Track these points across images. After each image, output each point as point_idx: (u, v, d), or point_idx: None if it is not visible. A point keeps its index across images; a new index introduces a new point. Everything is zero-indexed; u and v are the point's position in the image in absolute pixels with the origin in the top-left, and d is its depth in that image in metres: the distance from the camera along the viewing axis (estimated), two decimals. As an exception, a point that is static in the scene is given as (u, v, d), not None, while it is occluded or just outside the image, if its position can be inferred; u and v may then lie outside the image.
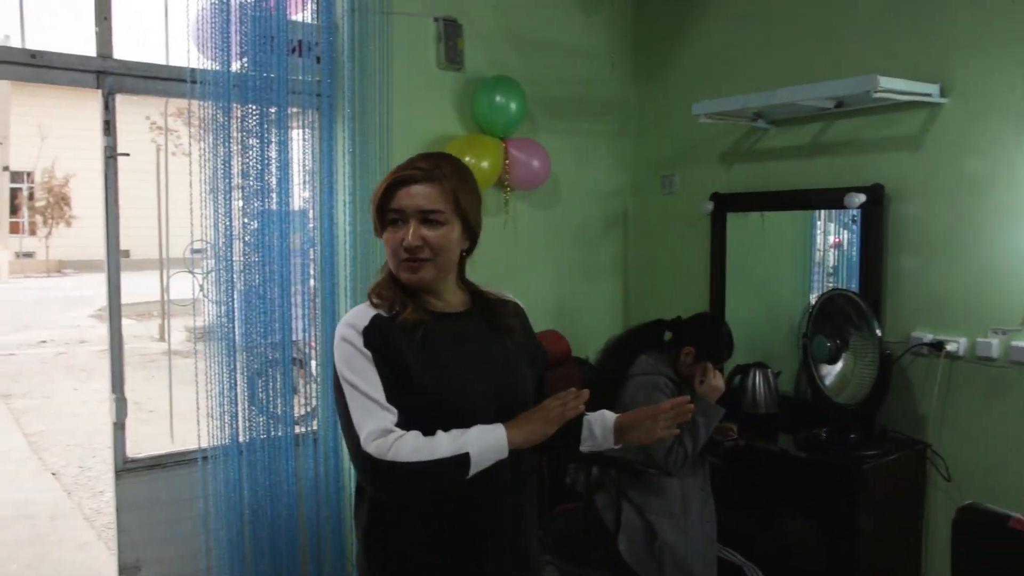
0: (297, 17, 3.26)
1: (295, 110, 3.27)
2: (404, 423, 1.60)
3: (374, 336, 1.63)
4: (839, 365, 3.12)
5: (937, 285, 3.16)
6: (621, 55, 4.23)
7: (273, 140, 3.16)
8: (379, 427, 1.57)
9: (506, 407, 1.69)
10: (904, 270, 3.24)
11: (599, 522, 2.83)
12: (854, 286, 3.35)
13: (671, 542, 2.74)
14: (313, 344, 3.38)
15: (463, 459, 1.56)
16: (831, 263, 3.76)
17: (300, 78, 3.24)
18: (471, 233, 1.77)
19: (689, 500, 2.80)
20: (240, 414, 3.13)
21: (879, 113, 3.27)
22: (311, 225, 3.35)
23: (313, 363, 3.40)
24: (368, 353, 1.62)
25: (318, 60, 3.30)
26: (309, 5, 3.30)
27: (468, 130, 3.68)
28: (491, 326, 1.79)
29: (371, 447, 1.55)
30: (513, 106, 3.60)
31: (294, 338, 3.27)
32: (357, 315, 1.68)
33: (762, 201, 3.68)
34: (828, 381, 3.11)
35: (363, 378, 1.61)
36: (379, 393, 1.60)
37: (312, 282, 3.35)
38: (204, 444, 3.10)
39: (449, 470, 1.56)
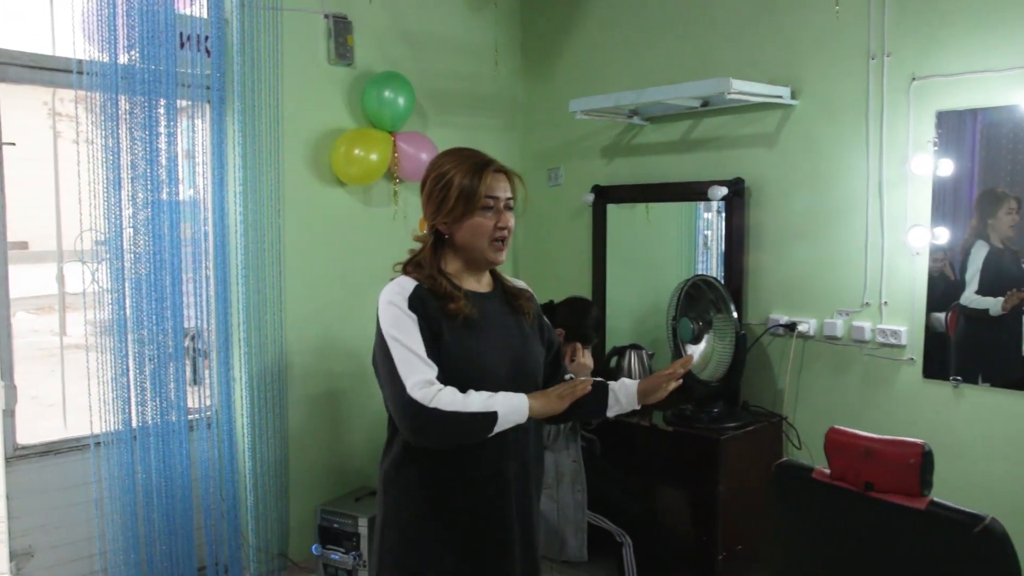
0: (186, 11, 3.32)
1: (185, 103, 3.33)
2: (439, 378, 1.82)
3: (417, 302, 1.84)
4: (702, 345, 3.38)
5: (791, 271, 3.46)
6: (507, 52, 4.41)
7: (163, 132, 3.22)
8: (423, 378, 1.77)
9: (521, 377, 1.93)
10: (763, 257, 3.53)
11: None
12: (722, 272, 3.62)
13: (545, 510, 2.95)
14: (207, 332, 3.46)
15: (492, 416, 1.77)
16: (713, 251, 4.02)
17: (189, 71, 3.29)
18: None
19: (562, 472, 3.02)
20: (133, 400, 3.20)
21: (740, 112, 3.54)
22: (202, 216, 3.42)
23: (209, 349, 3.48)
24: (413, 315, 1.82)
25: (208, 54, 3.36)
26: (198, -1, 3.36)
27: (358, 124, 3.79)
28: (511, 308, 2.00)
29: (417, 394, 1.76)
30: (401, 101, 3.74)
31: (186, 324, 3.35)
32: (401, 284, 1.89)
33: (637, 193, 3.92)
34: (694, 359, 3.37)
35: (408, 336, 1.81)
36: (422, 349, 1.80)
37: (205, 270, 3.42)
38: (97, 430, 3.15)
39: (479, 423, 1.77)
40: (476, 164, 1.86)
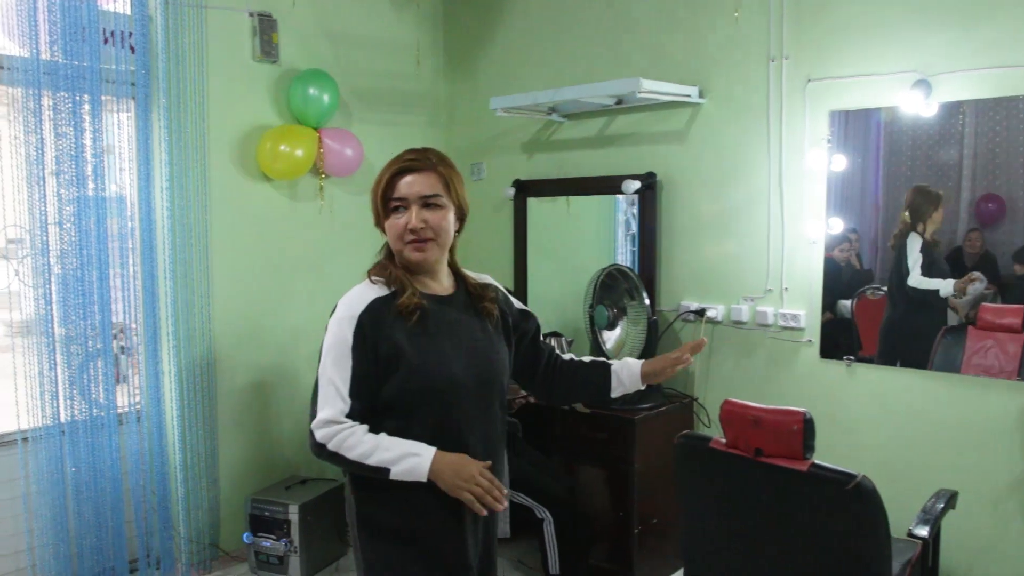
0: (109, 7, 3.34)
1: (109, 98, 3.35)
2: (390, 399, 1.79)
3: (367, 321, 1.78)
4: (617, 331, 3.57)
5: (700, 260, 3.67)
6: (431, 50, 4.53)
7: (87, 128, 3.25)
8: (331, 416, 1.76)
9: (484, 384, 1.88)
10: (675, 247, 3.73)
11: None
12: (637, 262, 3.82)
13: (469, 489, 3.10)
14: (134, 326, 3.50)
15: (384, 472, 1.74)
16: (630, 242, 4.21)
17: (114, 67, 3.33)
18: (461, 215, 1.95)
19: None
20: (61, 395, 3.22)
21: (653, 110, 3.73)
22: (128, 211, 3.45)
23: (137, 343, 3.52)
24: (352, 341, 1.78)
25: (132, 51, 3.39)
26: (121, -5, 3.38)
27: (283, 120, 3.87)
28: (473, 310, 1.95)
29: (319, 433, 1.76)
30: (326, 98, 3.82)
31: (114, 319, 3.38)
32: (355, 298, 1.83)
33: (556, 187, 4.09)
34: (609, 345, 3.55)
35: (336, 365, 1.77)
36: (345, 382, 1.77)
37: (132, 266, 3.45)
38: (24, 426, 3.16)
39: (371, 473, 1.76)
40: (388, 167, 1.86)
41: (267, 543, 3.63)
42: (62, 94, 3.17)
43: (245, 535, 3.68)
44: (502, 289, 2.11)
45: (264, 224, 3.87)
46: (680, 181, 3.70)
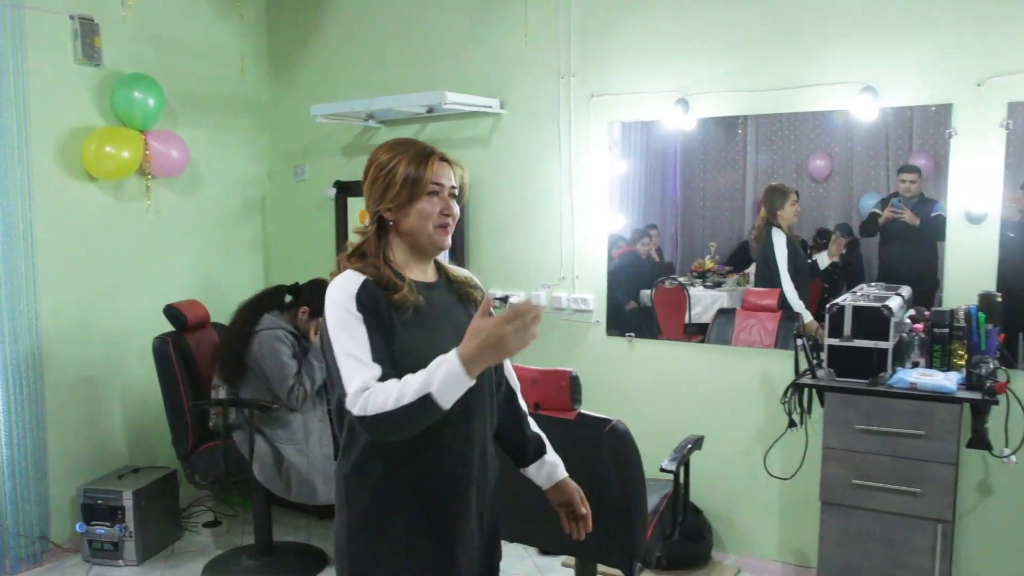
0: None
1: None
2: (388, 376, 1.71)
3: (365, 296, 1.76)
4: (432, 317, 3.97)
5: (504, 253, 4.14)
6: (255, 58, 4.76)
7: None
8: (361, 384, 1.68)
9: None
10: (482, 242, 4.18)
11: (237, 454, 3.43)
12: (448, 255, 4.23)
13: (296, 463, 3.42)
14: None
15: (427, 399, 1.60)
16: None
17: (-73, 68, 3.37)
18: None
19: (310, 429, 3.49)
20: None
21: (460, 118, 4.16)
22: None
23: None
24: (359, 314, 1.74)
25: (-54, 52, 3.44)
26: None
27: (108, 122, 3.99)
28: (457, 296, 1.96)
29: (356, 407, 1.66)
30: (151, 101, 3.99)
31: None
32: (347, 281, 1.79)
33: (376, 187, 4.44)
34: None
35: (352, 338, 1.72)
36: (366, 351, 1.71)
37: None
38: None
39: (420, 411, 1.61)
40: (421, 152, 1.88)
41: (101, 531, 3.77)
42: None
43: (78, 524, 3.80)
44: (478, 280, 2.11)
45: (91, 223, 3.98)
46: (485, 182, 4.14)
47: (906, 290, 3.23)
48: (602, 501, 2.51)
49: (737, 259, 3.76)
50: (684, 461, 2.83)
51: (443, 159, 1.88)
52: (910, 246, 3.40)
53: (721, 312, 3.76)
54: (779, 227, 3.61)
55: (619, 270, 3.90)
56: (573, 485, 2.04)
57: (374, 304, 1.75)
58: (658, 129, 3.74)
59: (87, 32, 3.91)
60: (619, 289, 3.91)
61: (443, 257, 2.04)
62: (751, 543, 3.70)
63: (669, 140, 3.75)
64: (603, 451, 2.44)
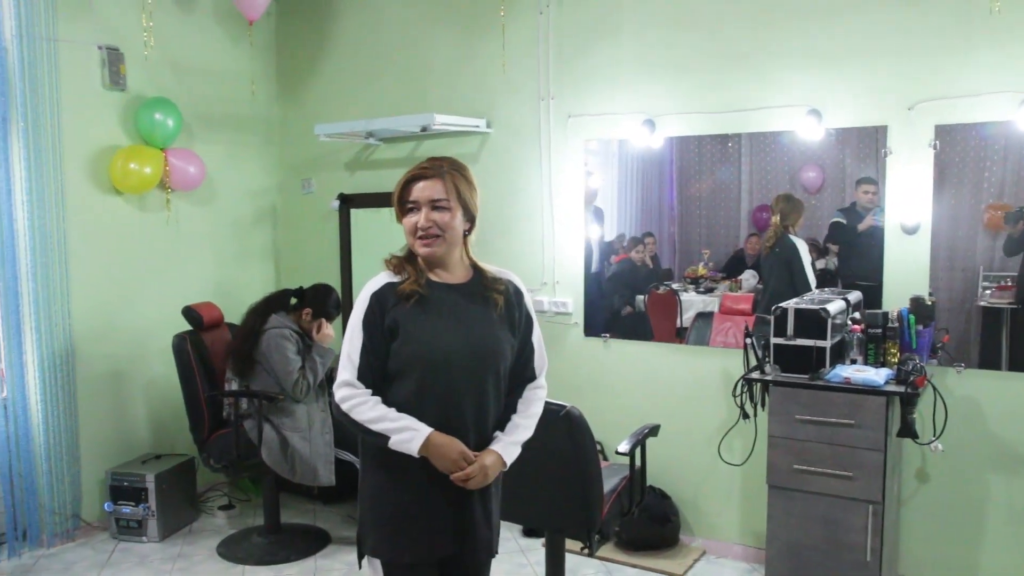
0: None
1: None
2: (395, 367, 2.09)
3: (377, 300, 2.11)
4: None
5: (491, 259, 4.35)
6: (264, 80, 5.16)
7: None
8: (345, 379, 2.08)
9: (476, 356, 2.12)
10: (472, 250, 4.53)
11: (247, 440, 3.83)
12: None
13: (299, 448, 3.82)
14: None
15: (384, 439, 2.03)
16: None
17: (-26, 96, 3.77)
18: (470, 216, 2.23)
19: (313, 418, 3.88)
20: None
21: (452, 136, 4.54)
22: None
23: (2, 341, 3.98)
24: (363, 317, 2.10)
25: (-9, 80, 3.84)
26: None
27: (132, 141, 4.40)
28: (482, 298, 2.19)
29: (338, 394, 2.08)
30: (171, 122, 4.40)
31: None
32: (376, 281, 2.15)
33: (376, 199, 4.83)
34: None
35: (351, 338, 2.09)
36: (356, 352, 2.08)
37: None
38: None
39: (373, 438, 2.05)
40: (406, 174, 2.16)
41: (127, 509, 4.17)
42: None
43: (106, 504, 4.21)
44: (521, 288, 2.32)
45: (117, 233, 4.40)
46: (476, 195, 4.50)
47: (855, 295, 3.53)
48: (561, 478, 2.87)
49: (731, 267, 3.97)
50: (639, 445, 3.18)
51: (414, 178, 2.12)
52: (858, 254, 3.69)
53: (700, 316, 4.04)
54: (796, 235, 3.77)
55: (616, 276, 4.18)
56: (490, 457, 2.14)
57: (384, 303, 2.09)
58: (653, 143, 3.96)
59: (113, 61, 4.32)
60: (615, 294, 4.19)
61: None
62: (715, 527, 4.03)
63: (664, 154, 3.97)
64: (563, 436, 2.79)
